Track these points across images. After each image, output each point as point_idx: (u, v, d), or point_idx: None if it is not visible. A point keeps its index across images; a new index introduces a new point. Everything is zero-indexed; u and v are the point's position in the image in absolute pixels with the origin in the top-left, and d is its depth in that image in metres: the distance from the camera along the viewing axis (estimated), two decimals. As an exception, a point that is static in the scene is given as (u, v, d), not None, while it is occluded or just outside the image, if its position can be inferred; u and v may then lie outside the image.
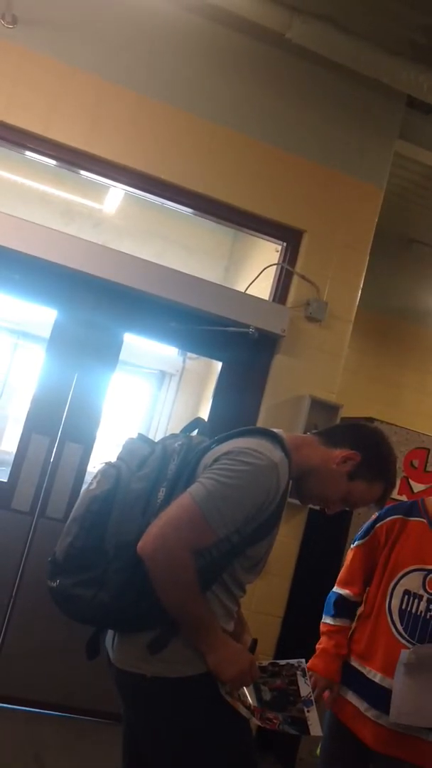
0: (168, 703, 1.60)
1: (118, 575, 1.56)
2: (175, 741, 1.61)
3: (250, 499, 1.57)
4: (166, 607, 1.57)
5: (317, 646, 2.24)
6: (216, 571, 1.62)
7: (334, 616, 2.23)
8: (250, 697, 1.74)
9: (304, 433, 3.68)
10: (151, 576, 1.53)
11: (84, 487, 1.72)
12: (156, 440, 1.81)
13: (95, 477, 1.68)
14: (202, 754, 1.61)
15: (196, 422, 1.88)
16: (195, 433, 1.87)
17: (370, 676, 2.06)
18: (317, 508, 3.60)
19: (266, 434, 1.71)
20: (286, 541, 3.63)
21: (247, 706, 1.69)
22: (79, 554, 1.61)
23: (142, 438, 1.80)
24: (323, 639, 2.24)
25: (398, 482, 3.64)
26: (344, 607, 2.23)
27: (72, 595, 1.60)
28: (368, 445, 1.81)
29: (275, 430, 1.77)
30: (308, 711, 1.73)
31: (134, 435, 1.84)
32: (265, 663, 1.77)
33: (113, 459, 1.73)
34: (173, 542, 1.51)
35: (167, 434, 1.88)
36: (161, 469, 1.64)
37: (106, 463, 1.70)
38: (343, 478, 1.77)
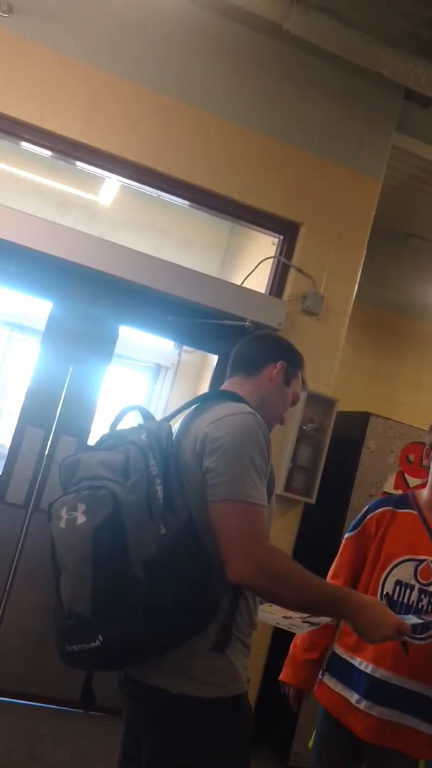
0: (187, 723, 1.51)
1: (167, 595, 1.42)
2: (184, 761, 1.53)
3: (259, 452, 1.55)
4: (296, 609, 1.57)
5: (293, 642, 2.25)
6: None
7: None
8: None
9: (302, 427, 3.69)
10: (263, 595, 1.51)
11: (60, 526, 1.48)
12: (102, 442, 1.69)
13: (74, 509, 1.46)
14: None
15: (129, 408, 1.79)
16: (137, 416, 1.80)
17: (361, 667, 2.06)
18: (312, 502, 3.62)
19: (225, 396, 1.73)
20: (282, 534, 3.63)
21: None
22: (108, 596, 1.41)
23: (92, 448, 1.68)
24: (298, 636, 2.24)
25: (394, 477, 3.64)
26: None
27: (136, 640, 1.43)
28: (280, 349, 1.89)
29: (225, 389, 1.79)
30: None
31: (71, 454, 1.68)
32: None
33: (88, 484, 1.50)
34: (252, 549, 1.46)
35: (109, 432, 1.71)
36: (148, 469, 1.53)
37: (89, 489, 1.47)
38: (282, 388, 1.85)
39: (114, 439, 1.66)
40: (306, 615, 1.75)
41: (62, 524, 1.48)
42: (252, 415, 1.60)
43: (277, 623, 1.78)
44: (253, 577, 1.46)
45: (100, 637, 1.41)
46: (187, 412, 1.74)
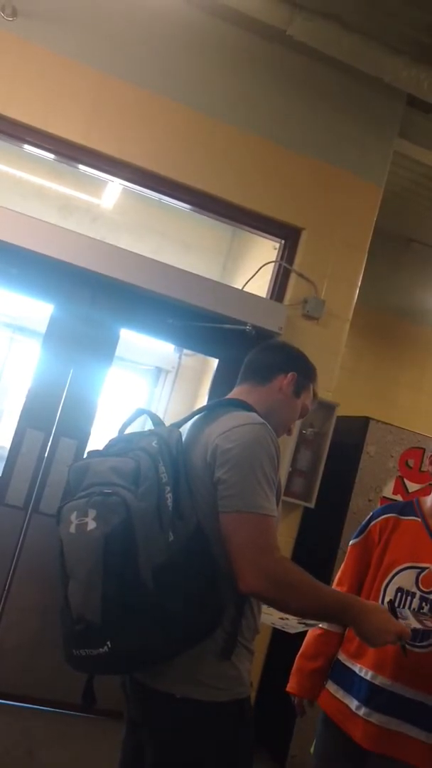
0: (191, 726, 1.53)
1: (176, 602, 1.44)
2: (188, 764, 1.54)
3: (270, 462, 1.56)
4: (303, 616, 1.60)
5: (299, 653, 2.27)
6: None
7: None
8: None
9: (302, 431, 3.70)
10: (277, 605, 1.54)
11: (69, 531, 1.47)
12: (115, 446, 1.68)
13: (84, 514, 1.45)
14: None
15: (139, 412, 1.80)
16: (147, 421, 1.80)
17: (361, 674, 2.06)
18: (312, 506, 3.62)
19: (235, 404, 1.72)
20: (281, 538, 3.60)
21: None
22: (118, 604, 1.41)
23: (102, 453, 1.67)
24: (305, 643, 2.26)
25: (393, 482, 3.64)
26: None
27: (145, 647, 1.44)
28: (293, 360, 1.88)
29: (232, 397, 1.79)
30: None
31: (81, 458, 1.69)
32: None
33: (99, 490, 1.49)
34: (263, 561, 1.49)
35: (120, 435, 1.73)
36: (158, 476, 1.52)
37: (100, 495, 1.46)
38: (292, 399, 1.84)
39: (123, 444, 1.66)
40: None
41: (72, 529, 1.47)
42: (262, 425, 1.60)
43: (273, 623, 1.80)
44: (265, 588, 1.48)
45: (108, 643, 1.41)
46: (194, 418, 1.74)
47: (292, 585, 1.51)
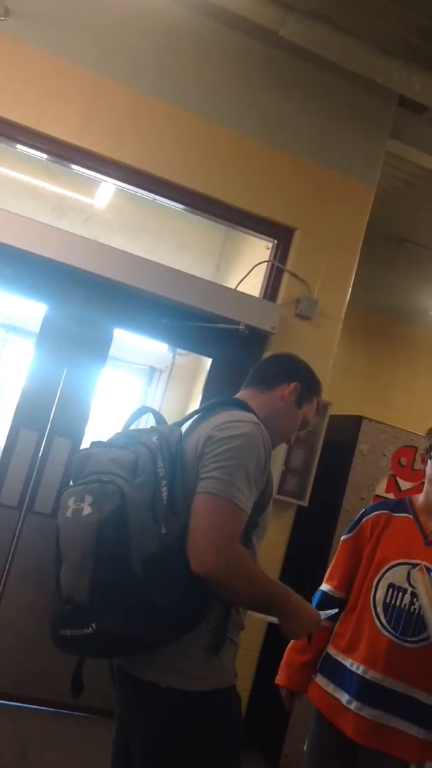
0: (176, 715, 1.56)
1: (162, 593, 1.47)
2: (174, 754, 1.57)
3: (256, 463, 1.59)
4: (244, 606, 1.62)
5: (288, 646, 2.29)
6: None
7: None
8: None
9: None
10: (221, 589, 1.54)
11: (66, 515, 1.52)
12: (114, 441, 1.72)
13: (81, 500, 1.50)
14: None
15: (143, 410, 1.85)
16: (151, 419, 1.85)
17: (353, 668, 2.08)
18: (305, 504, 3.64)
19: (234, 404, 1.76)
20: (274, 537, 3.65)
21: None
22: (106, 588, 1.44)
23: (105, 444, 1.70)
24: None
25: (385, 480, 3.66)
26: (326, 606, 2.25)
27: (127, 633, 1.47)
28: (298, 371, 1.93)
29: (235, 398, 1.83)
30: None
31: (87, 446, 1.72)
32: None
33: (97, 478, 1.53)
34: (226, 547, 1.51)
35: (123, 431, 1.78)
36: (155, 470, 1.56)
37: (98, 483, 1.50)
38: (293, 409, 1.88)
39: (126, 439, 1.70)
40: None
41: (68, 513, 1.51)
42: (256, 426, 1.64)
43: (266, 617, 1.81)
44: (222, 574, 1.50)
45: (93, 625, 1.45)
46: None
47: (248, 576, 1.54)
